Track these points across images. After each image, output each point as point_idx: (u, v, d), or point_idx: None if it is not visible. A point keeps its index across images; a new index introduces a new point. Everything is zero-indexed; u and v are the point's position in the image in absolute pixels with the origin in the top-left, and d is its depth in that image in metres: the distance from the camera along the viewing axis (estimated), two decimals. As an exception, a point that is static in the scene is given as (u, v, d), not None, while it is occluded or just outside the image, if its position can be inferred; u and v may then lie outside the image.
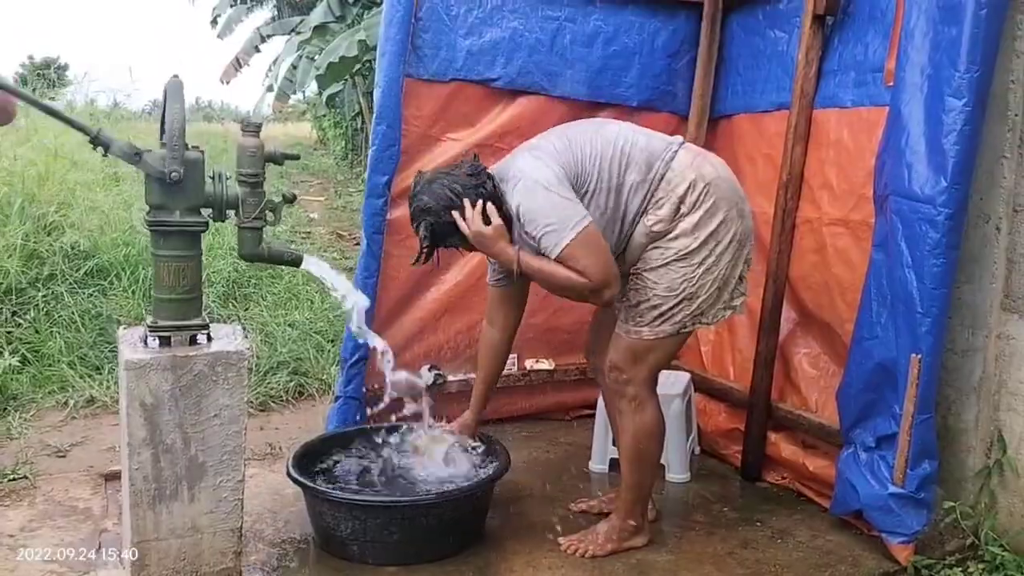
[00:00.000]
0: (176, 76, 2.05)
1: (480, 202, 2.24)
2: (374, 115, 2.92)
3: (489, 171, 2.31)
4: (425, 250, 2.32)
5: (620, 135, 2.30)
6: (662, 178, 2.25)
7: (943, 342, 2.37)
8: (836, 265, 2.74)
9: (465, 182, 2.26)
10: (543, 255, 2.20)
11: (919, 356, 2.29)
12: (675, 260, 2.24)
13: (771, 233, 2.91)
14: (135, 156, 2.01)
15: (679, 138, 2.37)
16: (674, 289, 2.25)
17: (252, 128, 2.17)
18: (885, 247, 2.41)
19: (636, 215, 2.27)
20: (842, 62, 2.74)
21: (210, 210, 2.13)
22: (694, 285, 2.24)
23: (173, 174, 1.98)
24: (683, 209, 2.23)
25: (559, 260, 2.16)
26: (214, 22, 16.25)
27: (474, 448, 2.67)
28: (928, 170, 2.26)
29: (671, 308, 2.26)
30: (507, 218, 2.27)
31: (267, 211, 2.18)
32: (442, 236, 2.30)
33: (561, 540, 2.51)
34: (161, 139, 2.04)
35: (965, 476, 2.56)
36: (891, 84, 2.45)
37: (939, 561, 2.39)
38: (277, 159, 2.23)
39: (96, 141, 2.00)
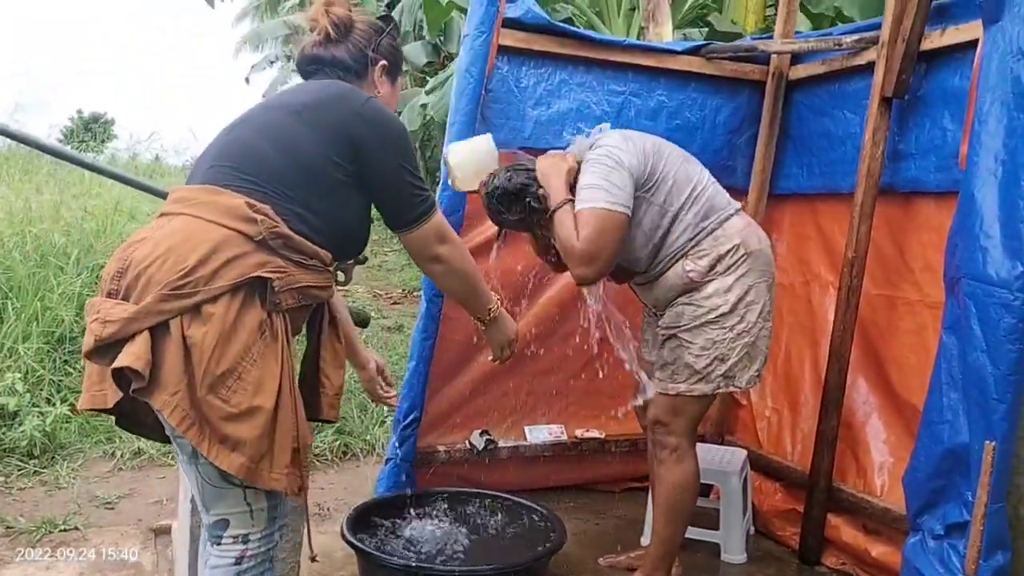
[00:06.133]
0: None
1: None
2: (440, 181, 2.96)
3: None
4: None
5: (699, 176, 2.47)
6: (711, 232, 2.40)
7: (1017, 429, 2.31)
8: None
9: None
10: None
11: (993, 443, 2.24)
12: (708, 322, 2.38)
13: (835, 311, 2.88)
14: None
15: (738, 204, 2.53)
16: (707, 348, 2.38)
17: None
18: (956, 330, 2.37)
19: (677, 252, 2.42)
20: (919, 145, 2.75)
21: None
22: (726, 347, 2.37)
23: None
24: (719, 268, 2.38)
25: (577, 213, 2.32)
26: (247, 80, 16.73)
27: None
28: (1003, 255, 2.24)
29: (705, 367, 2.38)
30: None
31: (338, 271, 2.20)
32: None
33: None
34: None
35: (1038, 570, 2.47)
36: (964, 168, 2.44)
37: (1013, 659, 2.30)
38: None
39: None
